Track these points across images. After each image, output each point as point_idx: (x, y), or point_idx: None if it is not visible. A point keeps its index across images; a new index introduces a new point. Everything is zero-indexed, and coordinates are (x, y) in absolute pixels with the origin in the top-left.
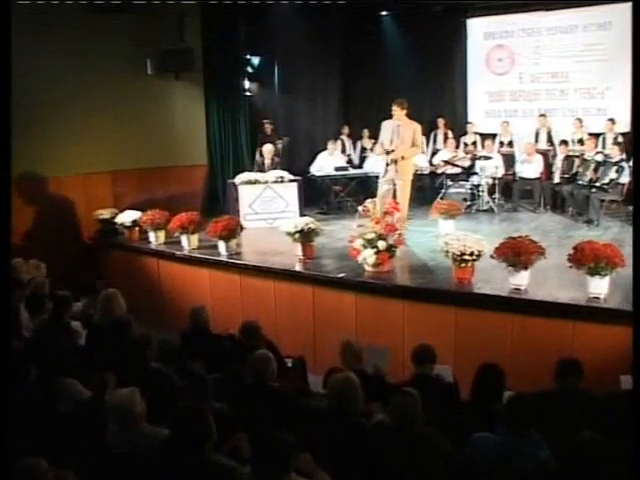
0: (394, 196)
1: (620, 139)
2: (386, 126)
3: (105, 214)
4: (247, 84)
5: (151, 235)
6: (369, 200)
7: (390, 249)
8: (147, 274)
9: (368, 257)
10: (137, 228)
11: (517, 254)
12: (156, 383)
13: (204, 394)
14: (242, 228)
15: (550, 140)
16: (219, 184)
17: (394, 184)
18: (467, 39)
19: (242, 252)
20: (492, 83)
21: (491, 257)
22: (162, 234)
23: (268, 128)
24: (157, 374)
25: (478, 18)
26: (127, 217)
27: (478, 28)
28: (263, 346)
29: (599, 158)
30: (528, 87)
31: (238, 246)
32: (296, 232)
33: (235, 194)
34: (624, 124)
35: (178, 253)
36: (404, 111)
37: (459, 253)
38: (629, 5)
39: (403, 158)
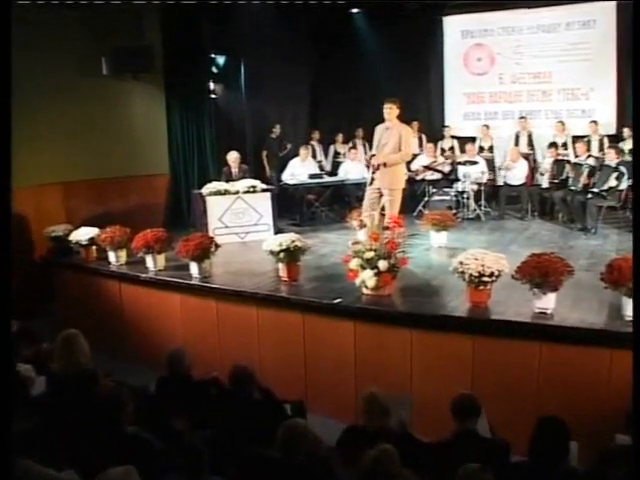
0: (382, 207)
1: (606, 141)
2: (377, 130)
3: (58, 231)
4: (212, 86)
5: (111, 255)
6: (365, 213)
7: (392, 269)
8: (107, 299)
9: (368, 279)
10: (94, 247)
11: (544, 274)
12: (136, 454)
13: (200, 467)
14: (217, 246)
15: (531, 144)
16: (183, 195)
17: (380, 193)
18: (444, 38)
19: (216, 273)
20: (470, 84)
21: (513, 278)
22: (123, 253)
23: (277, 130)
24: (136, 441)
25: (455, 16)
26: (83, 235)
27: (455, 26)
28: (257, 394)
29: (592, 162)
30: (509, 88)
31: (211, 266)
32: (281, 251)
33: (202, 206)
34: (610, 126)
35: (143, 276)
36: (397, 111)
37: (477, 274)
38: (613, 4)
39: (385, 165)
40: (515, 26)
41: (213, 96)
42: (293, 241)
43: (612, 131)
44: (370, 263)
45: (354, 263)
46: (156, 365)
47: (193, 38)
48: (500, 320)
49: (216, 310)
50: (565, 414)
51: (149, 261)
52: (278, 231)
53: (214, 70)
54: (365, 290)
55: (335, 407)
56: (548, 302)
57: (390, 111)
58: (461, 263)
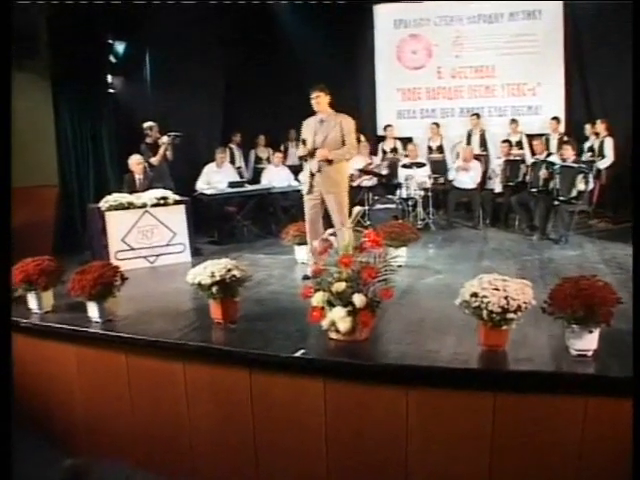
0: (327, 217)
1: (566, 139)
2: (308, 124)
3: None
4: (110, 78)
5: None
6: (329, 230)
7: (372, 305)
8: None
9: (340, 321)
10: None
11: (589, 305)
12: None
13: None
14: (124, 279)
15: (484, 144)
16: (76, 211)
17: (322, 200)
18: (374, 28)
19: (124, 314)
20: (405, 79)
21: (544, 312)
22: None
23: (154, 133)
24: None
25: (387, 4)
26: None
27: (387, 15)
28: None
29: (553, 159)
30: (448, 83)
31: (116, 305)
32: (213, 284)
33: (100, 223)
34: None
35: (24, 321)
36: (328, 98)
37: (500, 310)
38: None
39: (330, 162)
40: (454, 15)
41: (111, 90)
42: (229, 270)
43: (561, 129)
44: (341, 298)
45: (318, 298)
46: (43, 443)
47: (87, 19)
48: (533, 372)
49: (126, 368)
50: None
51: (31, 301)
52: (195, 252)
53: (112, 59)
54: (334, 334)
55: None
56: (591, 342)
57: (319, 100)
58: (475, 295)
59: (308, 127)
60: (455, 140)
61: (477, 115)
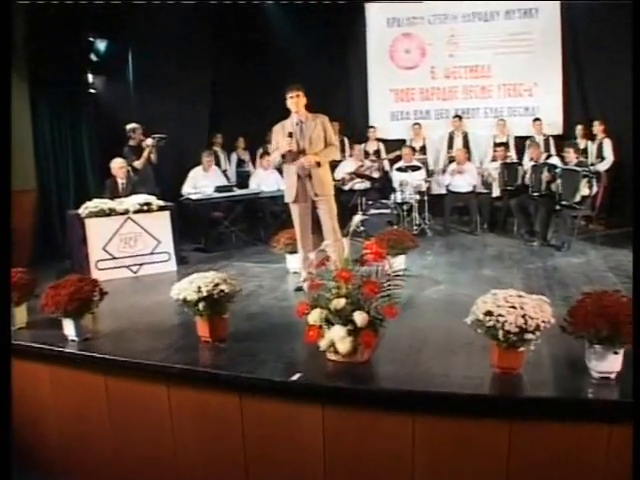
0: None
1: (551, 142)
2: (283, 127)
3: None
4: (90, 77)
5: None
6: (327, 241)
7: (375, 324)
8: None
9: (340, 341)
10: None
11: (614, 324)
12: None
13: None
14: (103, 294)
15: (467, 146)
16: (56, 217)
17: (313, 206)
18: (366, 27)
19: (103, 331)
20: (398, 79)
21: (564, 330)
22: None
23: (138, 136)
24: None
25: (379, 2)
26: None
27: (380, 14)
28: None
29: (555, 161)
30: (442, 83)
31: (95, 321)
32: (200, 300)
33: (81, 231)
34: (556, 126)
35: None
36: (304, 99)
37: (517, 330)
38: None
39: (319, 165)
40: (448, 13)
41: (92, 90)
42: (217, 284)
43: (558, 131)
44: (341, 316)
45: (315, 316)
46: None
47: (66, 16)
48: (553, 399)
49: (105, 391)
50: None
51: None
52: (181, 260)
53: (93, 58)
54: (333, 356)
55: None
56: (614, 363)
57: (298, 100)
58: (490, 314)
59: (284, 131)
60: (437, 142)
61: (459, 117)
